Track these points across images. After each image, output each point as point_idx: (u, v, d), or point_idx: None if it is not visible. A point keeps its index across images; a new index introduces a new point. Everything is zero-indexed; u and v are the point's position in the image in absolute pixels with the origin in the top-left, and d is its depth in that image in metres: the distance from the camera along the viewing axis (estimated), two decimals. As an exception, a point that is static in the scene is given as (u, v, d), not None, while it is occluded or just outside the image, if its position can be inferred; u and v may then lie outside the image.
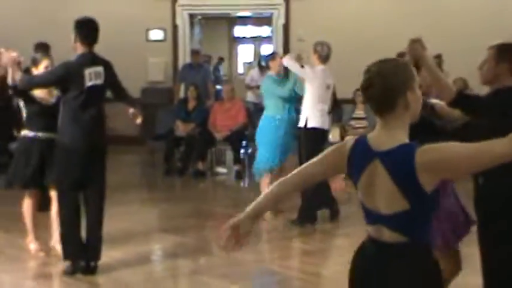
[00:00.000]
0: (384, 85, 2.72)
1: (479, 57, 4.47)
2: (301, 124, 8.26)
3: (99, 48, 6.34)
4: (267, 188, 8.61)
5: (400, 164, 2.67)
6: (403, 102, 2.73)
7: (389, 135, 2.74)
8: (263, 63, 11.04)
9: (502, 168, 3.68)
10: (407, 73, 2.77)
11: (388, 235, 2.72)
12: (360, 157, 2.78)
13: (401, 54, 10.82)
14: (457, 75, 12.59)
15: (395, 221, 2.70)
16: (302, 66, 8.47)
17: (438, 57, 12.81)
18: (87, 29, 6.18)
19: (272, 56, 9.16)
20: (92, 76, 6.11)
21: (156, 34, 14.78)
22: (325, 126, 8.37)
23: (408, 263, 2.69)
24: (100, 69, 6.18)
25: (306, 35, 14.16)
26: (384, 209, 2.72)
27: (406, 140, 2.74)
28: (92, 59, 6.18)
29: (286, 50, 14.59)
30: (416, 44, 4.20)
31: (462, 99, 4.12)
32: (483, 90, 4.48)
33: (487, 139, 2.61)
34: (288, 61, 8.52)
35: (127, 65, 13.73)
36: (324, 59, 8.46)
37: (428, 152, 2.64)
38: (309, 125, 8.16)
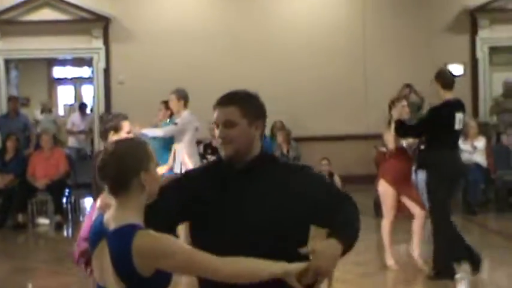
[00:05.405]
0: (118, 165, 2.71)
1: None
2: (177, 170, 8.37)
3: None
4: None
5: (118, 245, 2.63)
6: (137, 183, 2.72)
7: (121, 216, 2.70)
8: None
9: None
10: (143, 153, 2.76)
11: None
12: (95, 234, 2.79)
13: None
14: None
15: None
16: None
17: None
18: None
19: None
20: None
21: (-32, 80, 14.20)
22: None
23: None
24: None
25: (126, 78, 14.30)
26: None
27: (135, 221, 2.69)
28: None
29: (107, 93, 14.56)
30: None
31: None
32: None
33: None
34: (149, 132, 8.82)
35: None
36: (187, 103, 9.06)
37: (146, 237, 2.62)
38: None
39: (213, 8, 14.66)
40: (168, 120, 9.72)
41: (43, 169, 11.50)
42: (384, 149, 11.60)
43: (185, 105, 9.12)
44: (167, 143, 9.00)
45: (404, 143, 7.56)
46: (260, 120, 3.03)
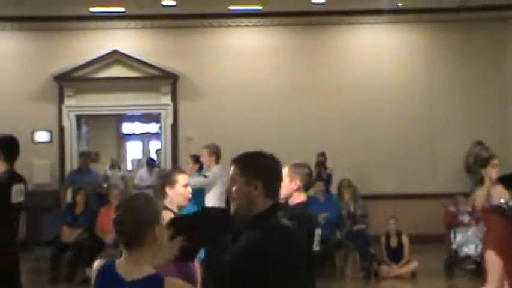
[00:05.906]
0: (134, 220, 2.88)
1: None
2: None
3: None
4: None
5: None
6: (151, 235, 2.89)
7: (137, 266, 2.87)
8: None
9: None
10: (157, 207, 2.98)
11: None
12: (106, 284, 2.89)
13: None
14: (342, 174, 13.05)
15: None
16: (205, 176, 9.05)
17: (322, 155, 13.28)
18: (10, 147, 6.09)
19: None
20: (18, 193, 6.01)
21: (41, 136, 14.57)
22: None
23: None
24: (22, 187, 6.09)
25: (194, 135, 14.46)
26: None
27: (152, 271, 2.87)
28: (17, 176, 6.09)
29: (175, 148, 14.74)
30: None
31: None
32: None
33: None
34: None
35: (11, 168, 13.46)
36: (219, 158, 9.16)
37: (176, 284, 2.85)
38: None
39: (279, 63, 14.76)
40: (196, 173, 9.81)
41: (111, 224, 11.60)
42: (453, 209, 11.40)
43: (216, 161, 9.31)
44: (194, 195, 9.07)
45: (499, 198, 7.22)
46: (259, 180, 3.20)
